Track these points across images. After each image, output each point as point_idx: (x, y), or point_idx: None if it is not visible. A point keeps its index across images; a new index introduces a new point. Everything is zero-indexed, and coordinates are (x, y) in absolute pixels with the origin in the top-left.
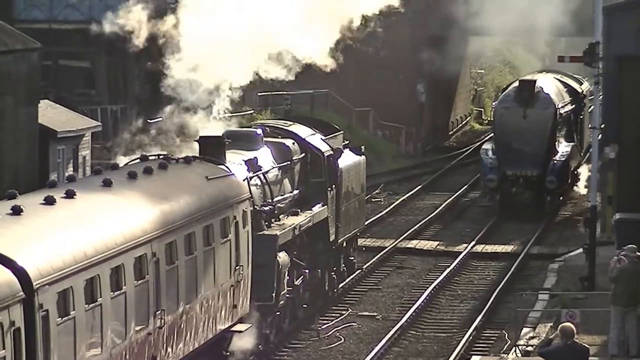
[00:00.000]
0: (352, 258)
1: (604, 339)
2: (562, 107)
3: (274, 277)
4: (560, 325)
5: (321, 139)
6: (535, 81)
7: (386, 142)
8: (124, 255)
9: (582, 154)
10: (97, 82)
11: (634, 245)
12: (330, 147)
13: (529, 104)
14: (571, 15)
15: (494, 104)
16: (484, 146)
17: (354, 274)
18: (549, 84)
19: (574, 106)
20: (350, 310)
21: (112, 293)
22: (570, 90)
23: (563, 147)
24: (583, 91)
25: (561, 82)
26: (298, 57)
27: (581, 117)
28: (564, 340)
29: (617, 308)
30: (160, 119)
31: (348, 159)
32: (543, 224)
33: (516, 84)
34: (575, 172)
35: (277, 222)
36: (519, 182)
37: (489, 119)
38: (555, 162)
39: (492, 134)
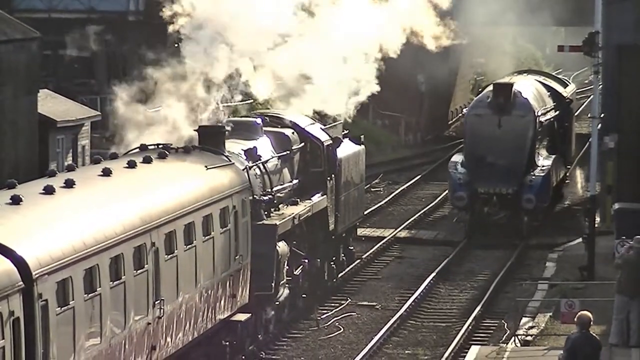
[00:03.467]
0: (352, 248)
1: (603, 328)
2: (544, 113)
3: (274, 267)
4: (578, 315)
5: (320, 128)
6: (512, 85)
7: (386, 132)
8: (123, 245)
9: (568, 166)
10: (97, 72)
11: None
12: (329, 136)
13: (504, 111)
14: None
15: (464, 110)
16: (452, 159)
17: (354, 264)
18: (528, 88)
19: (557, 112)
20: (350, 300)
21: (111, 283)
22: (554, 94)
23: (544, 160)
24: (569, 95)
25: (543, 84)
26: None
27: (567, 124)
28: (580, 329)
29: (622, 297)
30: (160, 107)
31: (347, 148)
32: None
33: (490, 87)
34: (561, 188)
35: (277, 212)
36: (492, 200)
37: None
38: (533, 177)
39: (462, 145)
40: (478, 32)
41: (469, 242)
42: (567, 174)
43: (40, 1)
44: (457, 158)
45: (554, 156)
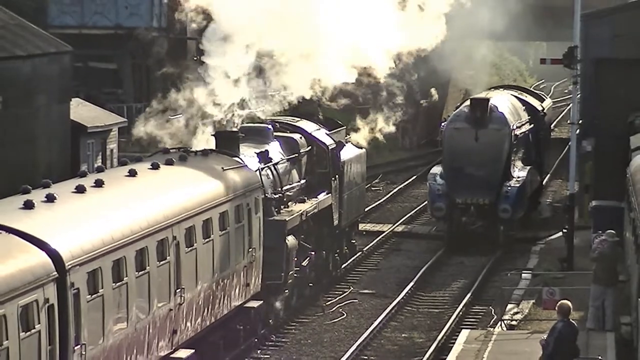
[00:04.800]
0: (354, 241)
1: (581, 314)
2: (519, 127)
3: (283, 258)
4: (558, 304)
5: (326, 133)
6: (488, 99)
7: (385, 136)
8: (148, 238)
9: (543, 177)
10: (123, 82)
11: (613, 231)
12: (334, 140)
13: (481, 125)
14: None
15: (443, 124)
16: (432, 170)
17: (355, 256)
18: (504, 102)
19: (532, 125)
20: (352, 288)
21: (136, 273)
22: (529, 108)
23: (519, 172)
24: (544, 109)
25: (519, 99)
26: None
27: (542, 136)
28: (562, 317)
29: (597, 287)
30: (180, 115)
31: (350, 151)
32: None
33: (467, 102)
34: (537, 197)
35: (286, 209)
36: (470, 210)
37: None
38: (509, 188)
39: (441, 158)
40: (468, 46)
41: (448, 249)
42: (543, 184)
43: (72, 18)
44: (436, 170)
45: (529, 167)
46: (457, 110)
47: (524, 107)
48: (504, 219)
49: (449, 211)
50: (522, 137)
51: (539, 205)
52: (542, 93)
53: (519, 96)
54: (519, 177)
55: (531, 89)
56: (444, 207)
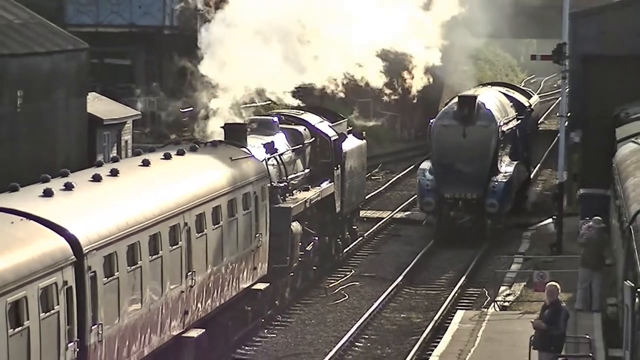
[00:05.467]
0: (355, 227)
1: (570, 295)
2: (505, 123)
3: (289, 243)
4: (548, 286)
5: (328, 125)
6: (476, 97)
7: (384, 129)
8: (161, 224)
9: (531, 171)
10: (137, 77)
11: (599, 218)
12: (336, 132)
13: (469, 122)
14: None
15: (431, 121)
16: (421, 166)
17: (357, 241)
18: (491, 100)
19: (519, 121)
20: (353, 271)
21: (150, 257)
22: (517, 105)
23: (506, 167)
24: (532, 105)
25: (506, 96)
26: None
27: (528, 132)
28: (550, 298)
29: (585, 270)
30: (191, 108)
31: (351, 142)
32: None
33: (455, 99)
34: (524, 191)
35: (291, 197)
36: (458, 205)
37: None
38: (496, 183)
39: (430, 154)
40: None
41: (437, 242)
42: (530, 178)
43: (89, 17)
44: (425, 165)
45: (516, 162)
46: (446, 107)
47: (511, 104)
48: (491, 213)
49: (437, 206)
50: (509, 133)
51: (527, 191)
52: (529, 89)
53: (507, 93)
54: (506, 173)
55: (519, 85)
56: (433, 201)
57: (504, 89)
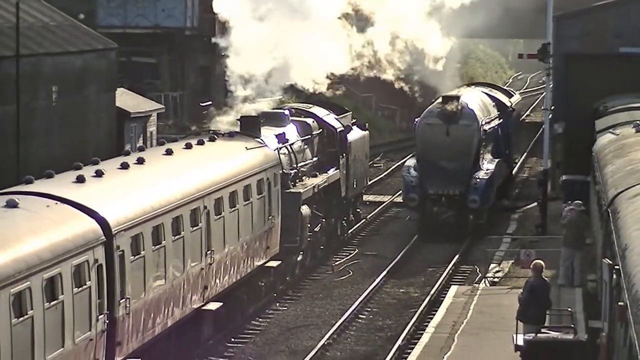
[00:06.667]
0: (359, 210)
1: (553, 272)
2: (487, 122)
3: (299, 225)
4: (533, 263)
5: (335, 117)
6: (459, 97)
7: (385, 120)
8: (182, 208)
9: (512, 167)
10: (161, 74)
11: (580, 201)
12: (341, 124)
13: (452, 121)
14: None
15: (416, 120)
16: (407, 163)
17: (360, 223)
18: (473, 99)
19: (501, 120)
20: (357, 250)
21: (173, 237)
22: (498, 104)
23: (488, 164)
24: (513, 104)
25: (489, 96)
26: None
27: (510, 130)
28: (536, 274)
29: (567, 249)
30: (210, 102)
31: (355, 133)
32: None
33: (440, 99)
34: (506, 187)
35: (301, 183)
36: (441, 201)
37: None
38: (478, 180)
39: (415, 151)
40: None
41: (420, 237)
42: (512, 173)
43: (117, 19)
44: (410, 162)
45: (497, 160)
46: (430, 106)
47: (493, 104)
48: (473, 209)
49: (421, 201)
50: (491, 132)
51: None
52: (511, 89)
53: (489, 93)
54: (487, 170)
55: (506, 83)
56: (417, 197)
57: (486, 89)
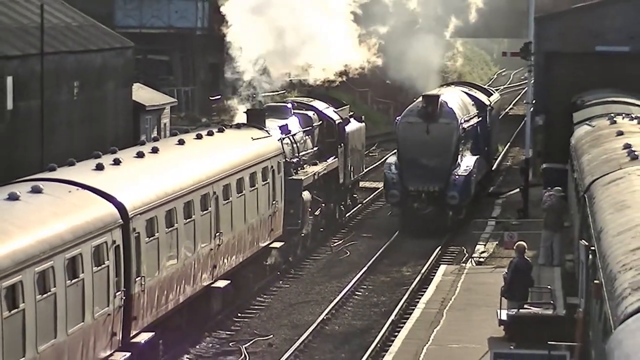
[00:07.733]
0: (356, 195)
1: (534, 252)
2: (466, 120)
3: (300, 209)
4: (516, 244)
5: (333, 110)
6: (439, 96)
7: (380, 113)
8: (193, 193)
9: (491, 164)
10: (174, 70)
11: (559, 188)
12: (340, 116)
13: (432, 119)
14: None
15: (397, 118)
16: (388, 160)
17: (357, 207)
18: (453, 98)
19: (480, 118)
20: (354, 232)
21: (185, 220)
22: (477, 103)
23: (467, 161)
24: (491, 103)
25: (468, 95)
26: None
27: (489, 128)
28: (519, 254)
29: (547, 231)
30: (219, 96)
31: (353, 125)
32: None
33: (420, 98)
34: (486, 182)
35: (302, 170)
36: (421, 197)
37: None
38: (457, 177)
39: (396, 149)
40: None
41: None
42: (492, 169)
43: (134, 20)
44: (392, 160)
45: (476, 157)
46: (411, 105)
47: (472, 102)
48: (452, 205)
49: (402, 198)
50: (470, 130)
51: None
52: (491, 88)
53: (468, 92)
54: (466, 167)
55: (488, 81)
56: (398, 194)
57: (466, 88)
